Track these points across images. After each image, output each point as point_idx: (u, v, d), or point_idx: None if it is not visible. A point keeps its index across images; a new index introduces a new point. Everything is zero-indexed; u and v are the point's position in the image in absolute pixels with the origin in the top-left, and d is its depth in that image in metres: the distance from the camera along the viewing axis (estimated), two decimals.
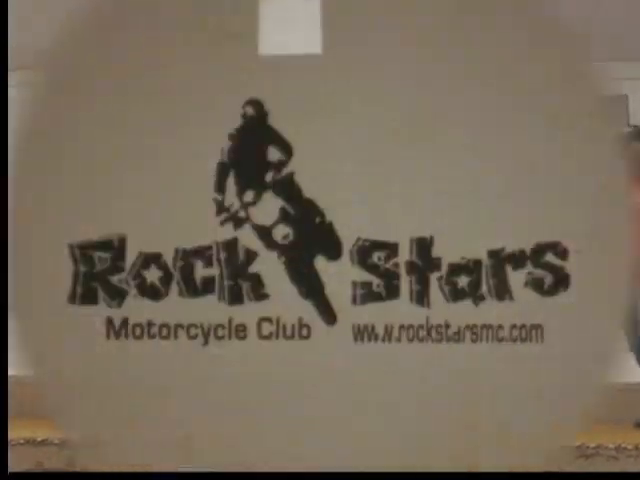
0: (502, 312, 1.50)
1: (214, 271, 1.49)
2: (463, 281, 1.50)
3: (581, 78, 1.51)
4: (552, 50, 1.51)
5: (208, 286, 1.49)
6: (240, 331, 1.49)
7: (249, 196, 1.50)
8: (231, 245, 1.49)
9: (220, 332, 1.49)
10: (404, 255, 1.50)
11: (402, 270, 1.50)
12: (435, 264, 1.50)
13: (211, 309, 1.49)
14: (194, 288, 1.49)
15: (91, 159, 1.50)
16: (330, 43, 1.50)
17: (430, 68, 1.50)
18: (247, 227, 1.50)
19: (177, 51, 1.50)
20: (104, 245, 1.49)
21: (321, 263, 1.50)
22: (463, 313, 1.50)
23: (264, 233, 1.50)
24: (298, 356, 1.49)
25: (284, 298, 1.50)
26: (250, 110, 1.50)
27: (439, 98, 1.50)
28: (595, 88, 1.51)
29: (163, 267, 1.49)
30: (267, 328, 1.49)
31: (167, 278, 1.49)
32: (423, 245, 1.50)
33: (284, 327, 1.50)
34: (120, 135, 1.50)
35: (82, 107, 1.50)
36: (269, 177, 1.50)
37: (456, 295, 1.50)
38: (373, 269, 1.50)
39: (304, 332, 1.49)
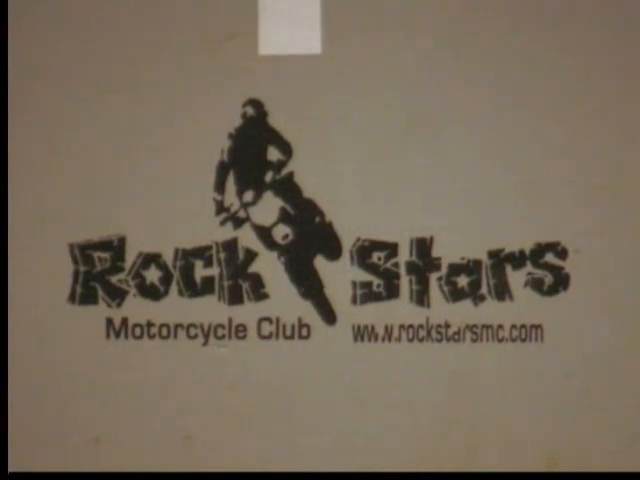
0: (502, 312, 1.50)
1: (214, 271, 1.50)
2: (463, 281, 1.50)
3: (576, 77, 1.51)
4: (553, 49, 1.51)
5: (208, 286, 1.49)
6: (240, 331, 1.50)
7: (249, 196, 1.50)
8: (231, 245, 1.50)
9: (220, 332, 1.49)
10: (404, 255, 1.50)
11: (402, 270, 1.50)
12: (435, 264, 1.50)
13: (211, 309, 1.49)
14: (194, 288, 1.49)
15: (91, 159, 1.50)
16: (330, 43, 1.50)
17: (430, 68, 1.50)
18: (247, 227, 1.50)
19: (176, 51, 1.50)
20: (104, 245, 1.49)
21: (321, 263, 1.50)
22: (463, 313, 1.50)
23: (264, 233, 1.50)
24: (298, 356, 1.50)
25: (284, 298, 1.50)
26: (250, 110, 1.50)
27: (439, 98, 1.50)
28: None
29: (163, 267, 1.49)
30: (267, 328, 1.50)
31: (167, 278, 1.49)
32: (423, 245, 1.50)
33: (284, 327, 1.50)
34: (120, 135, 1.50)
35: (81, 107, 1.50)
36: (269, 177, 1.50)
37: (456, 295, 1.50)
38: (373, 269, 1.50)
39: (304, 332, 1.50)
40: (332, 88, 1.50)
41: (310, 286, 1.50)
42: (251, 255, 1.50)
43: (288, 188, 1.50)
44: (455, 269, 1.50)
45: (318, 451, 1.49)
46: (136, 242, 1.49)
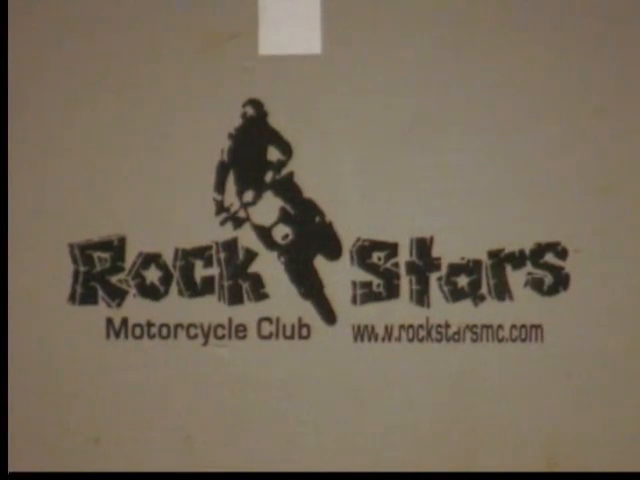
0: (502, 312, 1.50)
1: (214, 271, 1.50)
2: (463, 281, 1.50)
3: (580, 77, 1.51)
4: (553, 49, 1.51)
5: (208, 286, 1.49)
6: (240, 331, 1.50)
7: (249, 196, 1.50)
8: (231, 245, 1.50)
9: (220, 332, 1.49)
10: (404, 255, 1.50)
11: (402, 270, 1.50)
12: (435, 264, 1.50)
13: (211, 309, 1.49)
14: (194, 288, 1.49)
15: (91, 159, 1.50)
16: (330, 43, 1.50)
17: (430, 68, 1.50)
18: (247, 227, 1.50)
19: (177, 51, 1.50)
20: (104, 245, 1.50)
21: (321, 263, 1.50)
22: (463, 313, 1.50)
23: (264, 233, 1.50)
24: (298, 356, 1.50)
25: (284, 298, 1.50)
26: (250, 110, 1.50)
27: (439, 98, 1.50)
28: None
29: (163, 267, 1.49)
30: (267, 328, 1.50)
31: (167, 278, 1.49)
32: (423, 245, 1.50)
33: (284, 327, 1.50)
34: (120, 135, 1.50)
35: (81, 107, 1.50)
36: (269, 177, 1.50)
37: (456, 295, 1.50)
38: (373, 269, 1.50)
39: (304, 332, 1.50)
40: (332, 88, 1.50)
41: (310, 286, 1.50)
42: (251, 255, 1.50)
43: (288, 188, 1.50)
44: (455, 269, 1.50)
45: (318, 451, 1.49)
46: (136, 242, 1.49)
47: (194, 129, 1.49)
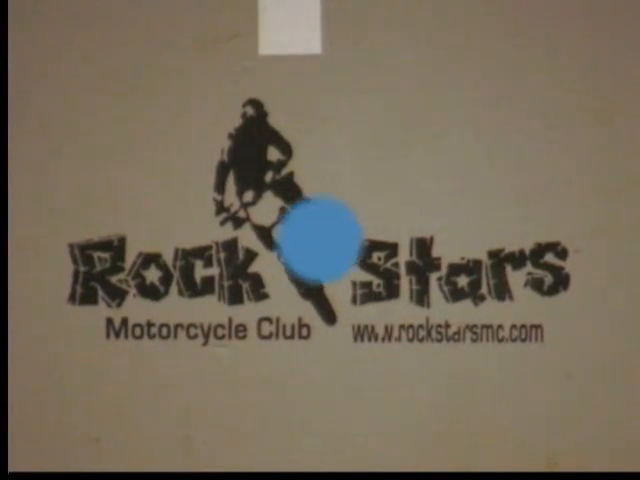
0: (502, 312, 1.50)
1: (214, 271, 1.50)
2: (463, 281, 1.50)
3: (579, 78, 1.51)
4: (552, 50, 1.51)
5: (208, 286, 1.49)
6: (240, 331, 1.50)
7: (249, 196, 1.50)
8: (231, 245, 1.50)
9: (220, 332, 1.49)
10: (404, 255, 1.50)
11: (402, 270, 1.50)
12: (435, 264, 1.50)
13: (211, 309, 1.49)
14: (194, 288, 1.49)
15: (91, 159, 1.50)
16: (330, 43, 1.50)
17: (430, 68, 1.50)
18: (247, 227, 1.50)
19: (177, 51, 1.50)
20: (104, 245, 1.50)
21: None
22: (463, 313, 1.50)
23: (264, 233, 1.50)
24: (298, 356, 1.50)
25: (284, 298, 1.50)
26: (250, 110, 1.50)
27: (439, 98, 1.50)
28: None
29: (163, 267, 1.49)
30: (267, 328, 1.50)
31: (167, 278, 1.49)
32: (423, 245, 1.50)
33: (284, 327, 1.50)
34: (120, 135, 1.50)
35: (81, 107, 1.50)
36: (269, 177, 1.50)
37: (456, 295, 1.50)
38: (373, 269, 1.50)
39: (304, 332, 1.50)
40: (332, 88, 1.50)
41: (310, 286, 1.50)
42: (251, 255, 1.50)
43: (288, 188, 1.50)
44: (455, 269, 1.50)
45: (318, 451, 1.49)
46: (136, 242, 1.49)
47: (194, 129, 1.49)
